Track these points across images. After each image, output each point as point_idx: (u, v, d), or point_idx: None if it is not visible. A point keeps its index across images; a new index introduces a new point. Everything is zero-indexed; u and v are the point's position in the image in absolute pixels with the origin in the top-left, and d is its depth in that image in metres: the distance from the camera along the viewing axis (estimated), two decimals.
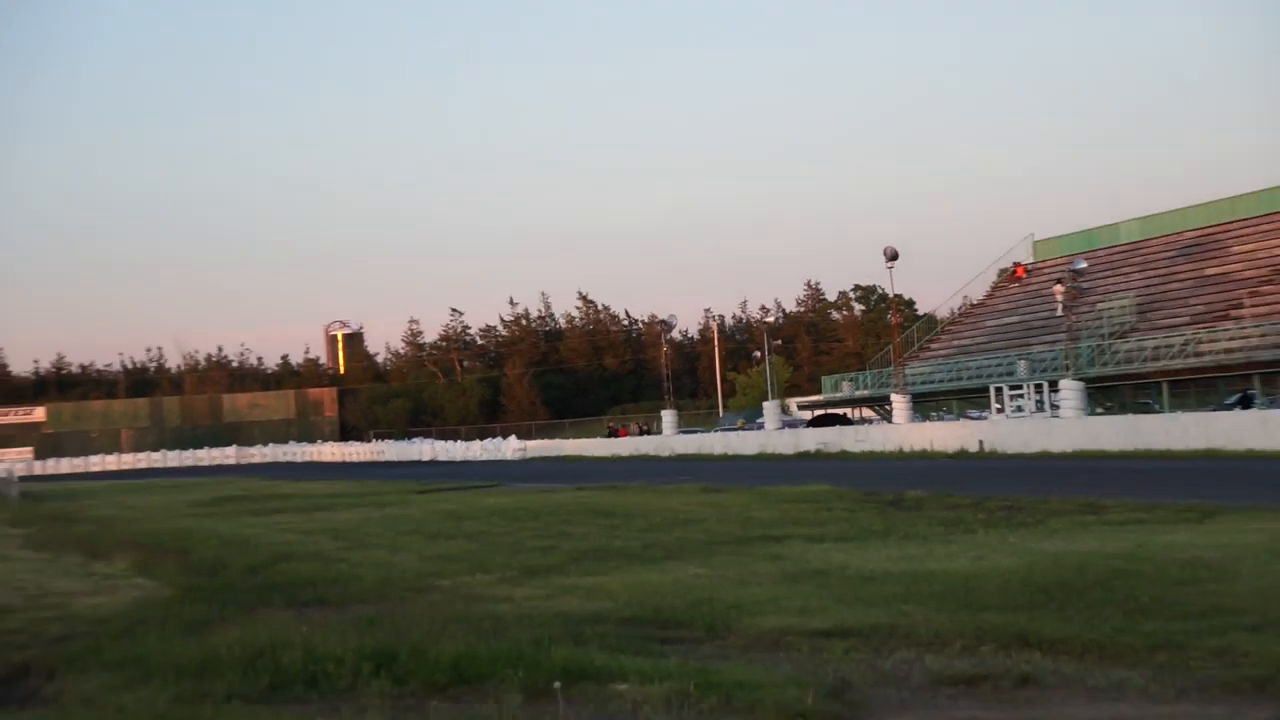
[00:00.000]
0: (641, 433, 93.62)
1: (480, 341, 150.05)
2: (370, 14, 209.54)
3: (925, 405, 69.71)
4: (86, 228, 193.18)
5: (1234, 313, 59.24)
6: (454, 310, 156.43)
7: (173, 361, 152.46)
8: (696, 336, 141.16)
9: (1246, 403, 52.66)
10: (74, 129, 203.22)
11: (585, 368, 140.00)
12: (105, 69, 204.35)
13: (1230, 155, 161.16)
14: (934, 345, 79.94)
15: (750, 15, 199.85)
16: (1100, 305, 66.61)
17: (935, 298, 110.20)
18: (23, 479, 75.54)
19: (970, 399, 68.53)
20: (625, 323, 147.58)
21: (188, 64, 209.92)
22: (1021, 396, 62.34)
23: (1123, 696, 9.58)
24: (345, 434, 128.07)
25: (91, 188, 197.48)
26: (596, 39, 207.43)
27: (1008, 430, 52.34)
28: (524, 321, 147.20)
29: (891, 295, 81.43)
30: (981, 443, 51.59)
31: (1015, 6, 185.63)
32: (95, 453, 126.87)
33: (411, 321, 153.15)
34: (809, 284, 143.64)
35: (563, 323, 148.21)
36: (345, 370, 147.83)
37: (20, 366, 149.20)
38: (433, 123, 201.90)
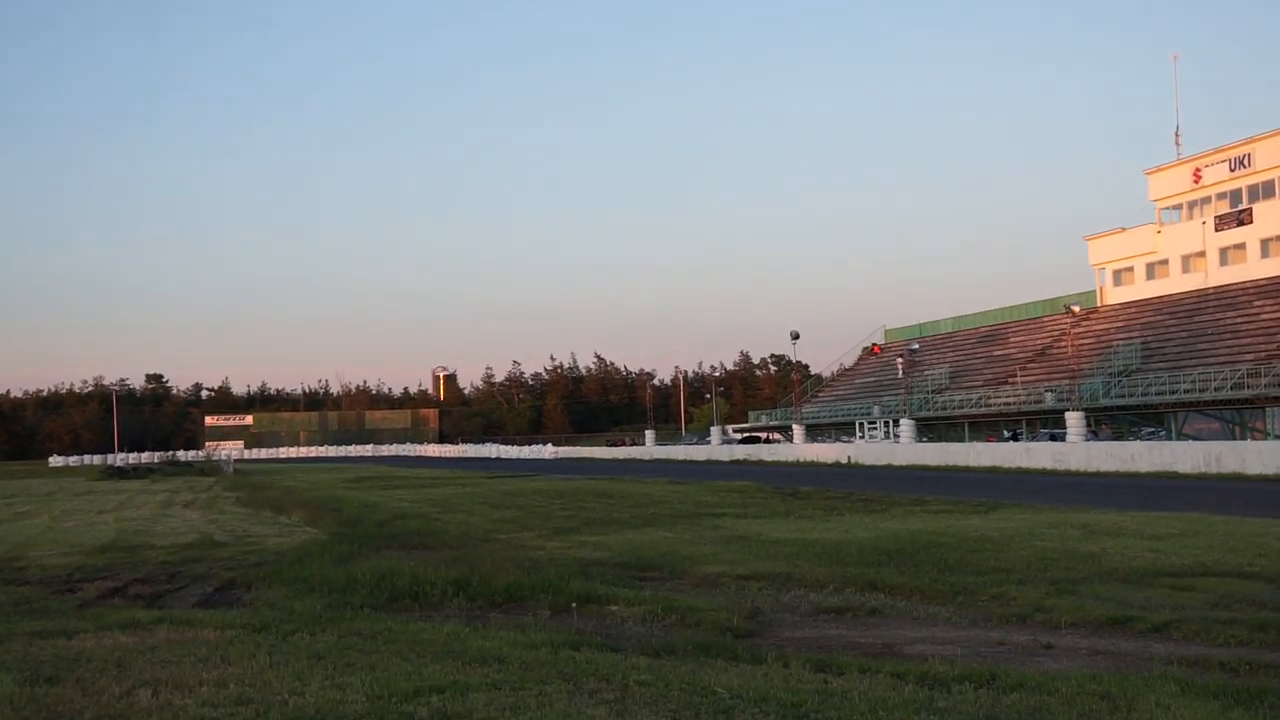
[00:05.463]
0: (632, 444, 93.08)
1: (530, 382, 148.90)
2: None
3: (814, 432, 69.42)
4: (290, 305, 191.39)
5: (1010, 380, 59.30)
6: (515, 361, 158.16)
7: (335, 388, 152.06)
8: (669, 383, 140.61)
9: (1015, 437, 52.77)
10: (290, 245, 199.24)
11: (597, 401, 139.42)
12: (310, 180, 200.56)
13: (1010, 276, 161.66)
14: (820, 394, 79.65)
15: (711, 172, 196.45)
16: (926, 372, 66.55)
17: (822, 363, 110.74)
18: (236, 461, 75.29)
19: (843, 429, 68.32)
20: (624, 373, 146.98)
21: (354, 182, 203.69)
22: (875, 429, 62.41)
23: (936, 623, 9.55)
24: (442, 439, 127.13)
25: (287, 282, 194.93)
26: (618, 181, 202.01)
27: (866, 450, 52.20)
28: (559, 370, 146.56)
29: (794, 361, 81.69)
30: (849, 457, 51.36)
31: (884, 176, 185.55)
32: (283, 446, 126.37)
33: (488, 368, 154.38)
34: (742, 353, 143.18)
35: (584, 371, 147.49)
36: (444, 398, 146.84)
37: (239, 389, 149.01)
38: (498, 240, 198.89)
